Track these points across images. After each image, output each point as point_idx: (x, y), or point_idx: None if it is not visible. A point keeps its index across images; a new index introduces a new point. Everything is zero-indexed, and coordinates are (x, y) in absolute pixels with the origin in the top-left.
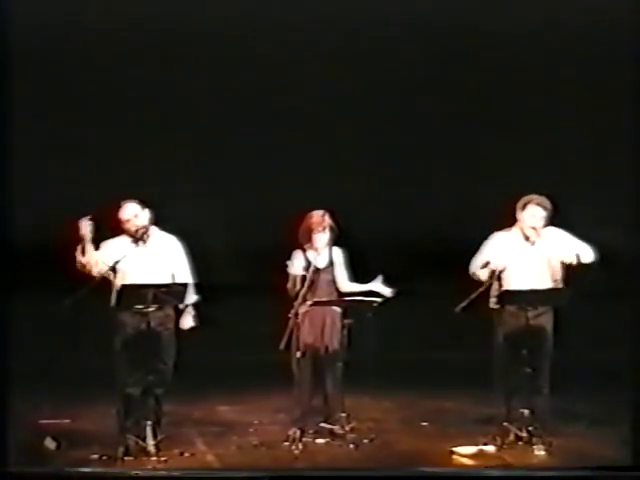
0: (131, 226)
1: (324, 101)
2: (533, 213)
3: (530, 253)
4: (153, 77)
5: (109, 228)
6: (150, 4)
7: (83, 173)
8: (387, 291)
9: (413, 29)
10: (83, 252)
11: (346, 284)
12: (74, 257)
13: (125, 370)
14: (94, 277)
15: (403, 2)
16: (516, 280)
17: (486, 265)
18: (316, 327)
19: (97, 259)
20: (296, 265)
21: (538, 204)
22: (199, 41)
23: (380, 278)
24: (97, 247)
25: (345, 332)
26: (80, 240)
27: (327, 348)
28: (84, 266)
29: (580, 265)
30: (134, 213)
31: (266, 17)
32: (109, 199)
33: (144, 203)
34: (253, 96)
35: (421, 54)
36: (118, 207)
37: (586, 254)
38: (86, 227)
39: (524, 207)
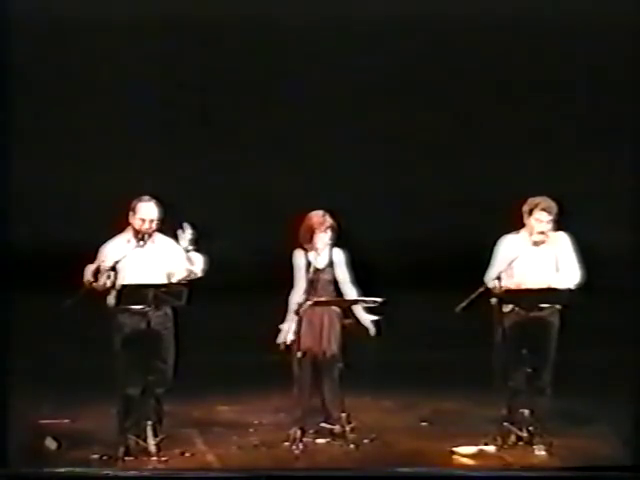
0: (143, 226)
1: (324, 101)
2: (540, 218)
3: (537, 254)
4: (153, 77)
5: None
6: (151, 3)
7: (83, 173)
8: (372, 330)
9: (418, 28)
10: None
11: (348, 288)
12: (74, 258)
13: (125, 370)
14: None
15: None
16: (521, 280)
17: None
18: (315, 328)
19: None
20: (297, 264)
21: (544, 209)
22: (200, 39)
23: (374, 317)
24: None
25: (344, 333)
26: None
27: (326, 349)
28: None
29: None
30: (151, 218)
31: (267, 15)
32: (109, 199)
33: (161, 203)
34: (253, 96)
35: (425, 53)
36: (135, 199)
37: (570, 279)
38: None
39: (531, 212)
